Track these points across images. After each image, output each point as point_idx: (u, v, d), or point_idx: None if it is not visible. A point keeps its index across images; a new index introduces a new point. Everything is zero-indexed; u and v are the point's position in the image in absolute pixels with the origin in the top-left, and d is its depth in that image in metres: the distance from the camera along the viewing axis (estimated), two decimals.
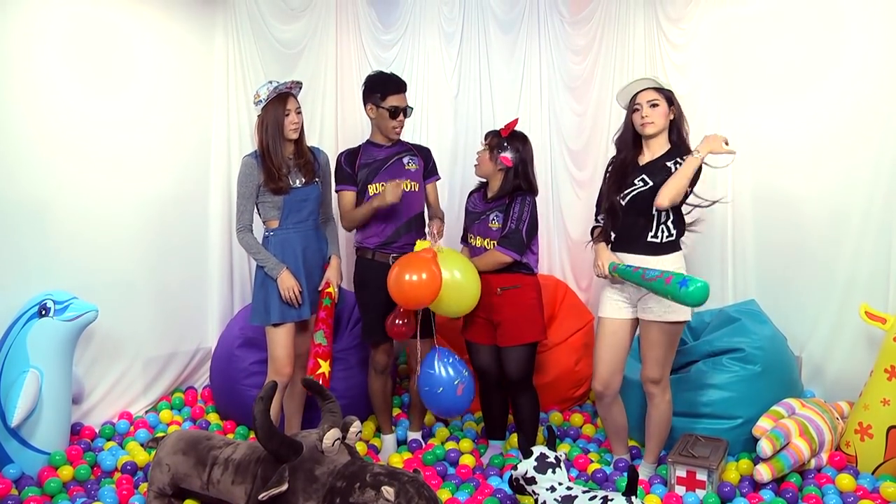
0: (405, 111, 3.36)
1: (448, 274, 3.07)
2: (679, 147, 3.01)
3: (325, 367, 3.12)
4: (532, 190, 3.26)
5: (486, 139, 3.30)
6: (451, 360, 3.20)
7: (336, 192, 3.42)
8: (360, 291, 3.47)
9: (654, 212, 2.94)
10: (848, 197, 3.62)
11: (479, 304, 3.24)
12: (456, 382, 3.16)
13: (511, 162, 3.20)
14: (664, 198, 2.86)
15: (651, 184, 2.94)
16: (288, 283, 3.14)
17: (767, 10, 3.88)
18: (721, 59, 4.07)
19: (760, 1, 3.91)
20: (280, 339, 3.19)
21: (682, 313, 2.96)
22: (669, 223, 2.96)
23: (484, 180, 3.37)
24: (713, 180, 4.08)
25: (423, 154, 3.50)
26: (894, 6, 3.44)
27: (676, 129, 3.02)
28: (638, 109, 2.98)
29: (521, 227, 3.16)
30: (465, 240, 3.46)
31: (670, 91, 3.02)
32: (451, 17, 4.54)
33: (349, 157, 3.41)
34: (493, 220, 3.23)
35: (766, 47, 3.89)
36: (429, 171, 3.49)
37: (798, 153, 3.79)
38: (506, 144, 3.22)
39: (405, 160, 3.40)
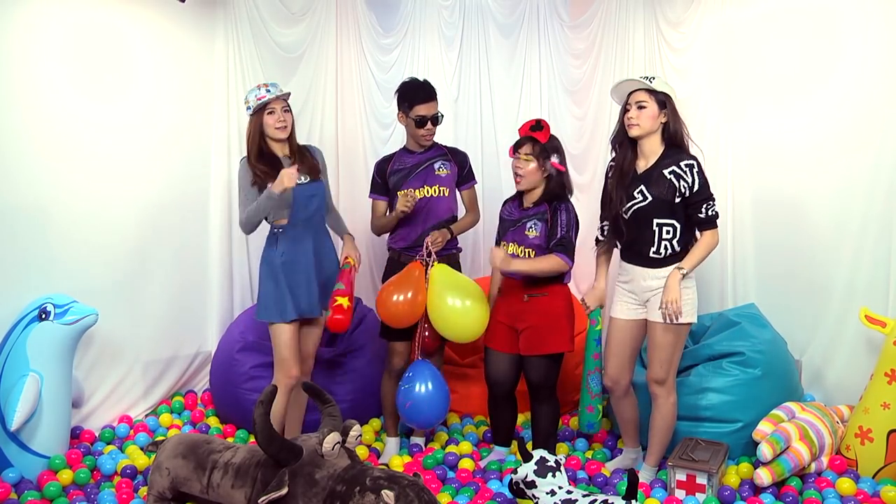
0: (433, 119, 3.36)
1: (447, 299, 3.11)
2: (674, 151, 2.95)
3: (341, 300, 3.13)
4: (569, 192, 3.19)
5: (523, 149, 3.09)
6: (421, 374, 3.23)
7: (369, 198, 3.51)
8: None
9: (654, 227, 2.93)
10: (848, 200, 3.62)
11: (503, 311, 3.21)
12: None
13: (564, 166, 3.12)
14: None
15: (650, 198, 2.92)
16: (289, 174, 2.99)
17: (767, 14, 3.89)
18: (721, 63, 4.08)
19: (760, 5, 3.92)
20: (285, 340, 3.17)
21: (688, 315, 2.97)
22: (674, 241, 2.94)
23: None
24: (713, 184, 4.08)
25: (459, 159, 3.50)
26: (892, 11, 3.45)
27: (669, 132, 2.95)
28: (629, 109, 2.96)
29: (572, 234, 3.09)
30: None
31: (664, 94, 2.93)
32: (451, 20, 4.55)
33: (381, 166, 3.48)
34: (531, 228, 3.11)
35: (766, 51, 3.89)
36: (464, 176, 3.49)
37: (798, 157, 3.80)
38: (548, 149, 3.09)
39: (437, 165, 3.42)
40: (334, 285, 3.23)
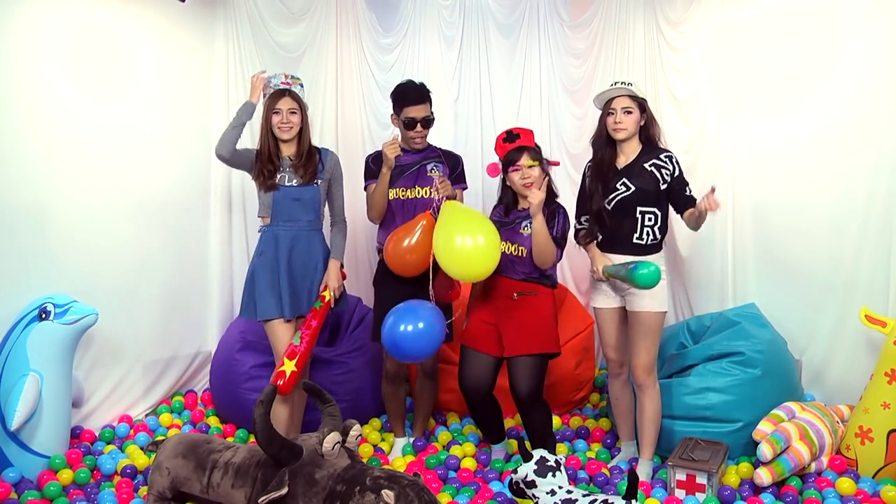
0: (423, 122, 3.35)
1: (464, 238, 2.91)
2: (650, 148, 3.17)
3: (288, 366, 3.06)
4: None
5: (524, 160, 3.05)
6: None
7: (364, 188, 3.46)
8: (375, 290, 3.50)
9: (637, 215, 3.11)
10: (848, 200, 3.62)
11: (487, 310, 3.18)
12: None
13: (558, 161, 3.24)
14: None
15: (633, 188, 3.11)
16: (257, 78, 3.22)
17: (767, 14, 3.89)
18: (721, 63, 4.07)
19: (760, 5, 3.92)
20: (281, 337, 3.17)
21: (663, 304, 3.14)
22: (656, 228, 3.13)
23: (493, 190, 3.32)
24: (713, 183, 4.09)
25: (452, 161, 3.48)
26: (892, 11, 3.45)
27: (647, 132, 3.18)
28: (612, 114, 3.14)
29: (566, 236, 3.14)
30: None
31: (644, 99, 3.17)
32: (451, 20, 4.55)
33: (376, 158, 3.43)
34: (526, 226, 3.09)
35: (766, 51, 3.89)
36: (455, 178, 3.46)
37: (798, 157, 3.80)
38: (539, 151, 3.13)
39: (429, 167, 3.40)
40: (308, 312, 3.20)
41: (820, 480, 3.06)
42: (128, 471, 3.19)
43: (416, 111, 3.33)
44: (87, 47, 3.55)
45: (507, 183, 3.16)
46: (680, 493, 2.95)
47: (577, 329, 4.02)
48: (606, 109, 3.18)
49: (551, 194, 3.18)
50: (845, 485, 2.98)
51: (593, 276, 3.22)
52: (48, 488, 2.98)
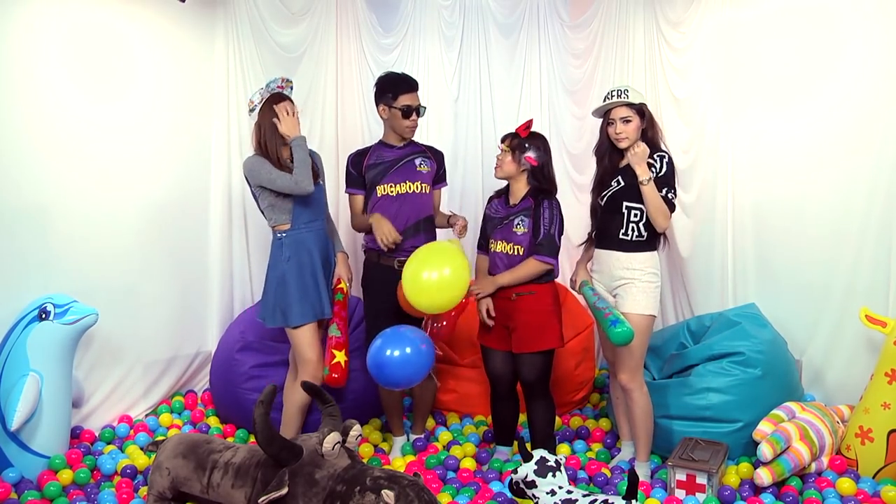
0: (418, 110, 3.36)
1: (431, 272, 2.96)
2: (650, 148, 3.15)
3: (340, 356, 3.10)
4: (554, 189, 3.23)
5: (504, 141, 3.22)
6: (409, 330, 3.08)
7: (346, 193, 3.47)
8: (365, 293, 3.49)
9: (623, 210, 3.14)
10: (848, 200, 3.62)
11: (494, 310, 3.20)
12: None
13: (537, 161, 3.16)
14: (659, 224, 3.09)
15: (623, 184, 3.15)
16: (291, 123, 3.13)
17: (767, 14, 3.89)
18: (721, 63, 4.07)
19: (760, 5, 3.92)
20: (307, 341, 3.16)
21: (652, 308, 3.13)
22: (641, 225, 3.13)
23: (504, 184, 3.31)
24: (713, 183, 4.10)
25: (437, 158, 3.49)
26: (892, 11, 3.45)
27: (648, 136, 3.18)
28: (612, 124, 3.16)
29: (554, 231, 3.14)
30: (482, 247, 3.34)
31: (642, 104, 3.16)
32: (451, 20, 4.55)
33: (356, 159, 3.42)
34: (518, 224, 3.15)
35: (766, 51, 3.89)
36: (438, 176, 3.48)
37: (798, 157, 3.80)
38: (527, 145, 3.16)
39: (417, 161, 3.40)
40: (329, 325, 3.21)
41: (820, 480, 3.06)
42: (128, 471, 3.19)
43: (411, 98, 3.34)
44: (87, 47, 3.55)
45: None
46: (680, 493, 2.95)
47: (577, 329, 4.01)
48: (606, 119, 3.20)
49: (538, 188, 3.19)
50: (845, 485, 2.98)
51: (572, 284, 3.36)
52: (48, 488, 2.98)
